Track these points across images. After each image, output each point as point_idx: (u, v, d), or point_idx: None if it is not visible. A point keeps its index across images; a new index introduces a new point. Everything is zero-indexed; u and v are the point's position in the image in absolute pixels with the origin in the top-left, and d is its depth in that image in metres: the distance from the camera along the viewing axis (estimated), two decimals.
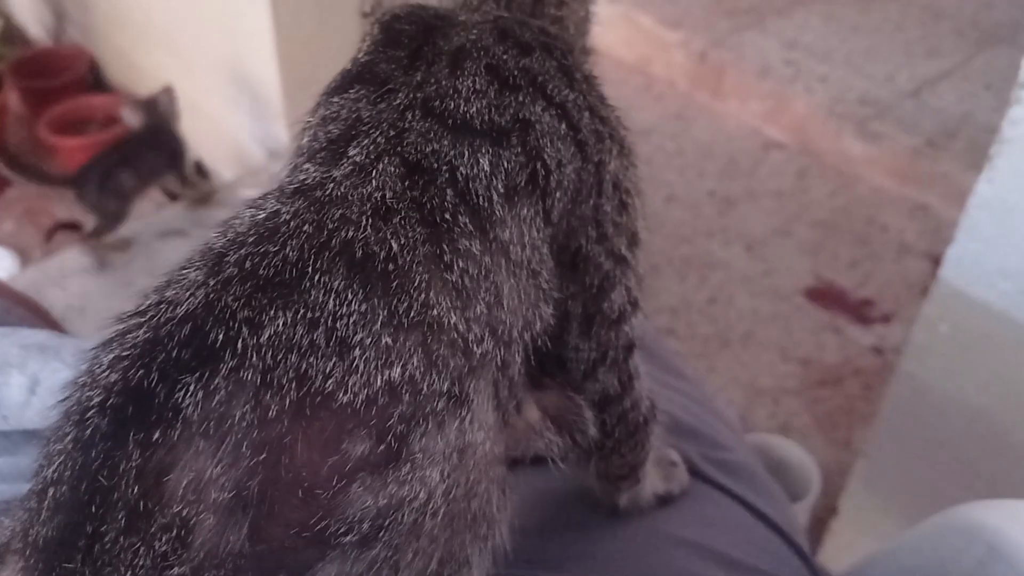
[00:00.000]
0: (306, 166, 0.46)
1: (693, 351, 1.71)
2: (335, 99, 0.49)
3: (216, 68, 2.13)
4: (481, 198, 0.45)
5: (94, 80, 2.60)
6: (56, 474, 0.37)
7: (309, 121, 0.50)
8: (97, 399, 0.37)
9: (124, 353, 0.38)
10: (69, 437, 0.37)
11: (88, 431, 0.37)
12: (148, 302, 0.40)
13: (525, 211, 0.47)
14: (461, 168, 0.45)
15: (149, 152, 1.95)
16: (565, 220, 0.50)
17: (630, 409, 0.56)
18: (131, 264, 1.93)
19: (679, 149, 2.16)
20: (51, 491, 0.37)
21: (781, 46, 2.30)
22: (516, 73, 0.49)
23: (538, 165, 0.48)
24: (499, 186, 0.46)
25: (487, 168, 0.46)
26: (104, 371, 0.38)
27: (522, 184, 0.47)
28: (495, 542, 0.45)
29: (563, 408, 0.54)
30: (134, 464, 0.35)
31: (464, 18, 0.52)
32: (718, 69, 2.28)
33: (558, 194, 0.49)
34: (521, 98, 0.48)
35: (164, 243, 1.96)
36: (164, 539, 0.35)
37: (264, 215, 0.42)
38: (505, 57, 0.49)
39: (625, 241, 0.53)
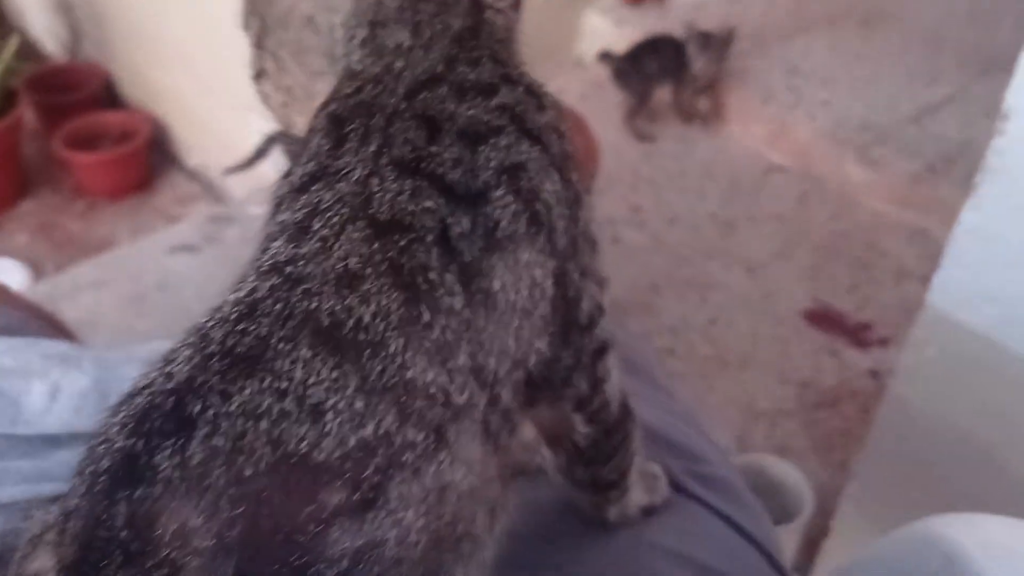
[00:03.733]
0: (275, 244, 0.47)
1: (692, 371, 1.73)
2: (302, 197, 0.49)
3: (229, 88, 2.17)
4: (470, 254, 0.46)
5: (109, 97, 2.65)
6: (74, 506, 0.43)
7: (275, 216, 0.51)
8: (106, 463, 0.42)
9: (127, 420, 0.43)
10: (86, 485, 0.43)
11: (97, 487, 0.42)
12: (153, 373, 0.44)
13: (527, 255, 0.48)
14: (455, 227, 0.46)
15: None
16: (570, 242, 0.51)
17: (599, 409, 0.58)
18: (141, 279, 1.96)
19: (681, 171, 2.19)
20: (71, 520, 0.43)
21: (783, 72, 2.33)
22: (493, 116, 0.50)
23: (537, 206, 0.49)
24: (488, 239, 0.47)
25: (477, 225, 0.47)
26: (115, 432, 0.43)
27: (521, 230, 0.48)
28: (481, 556, 0.48)
29: (555, 419, 0.56)
30: (123, 514, 0.41)
31: (402, 65, 0.53)
32: (721, 93, 2.32)
33: (560, 223, 0.50)
34: (506, 142, 0.49)
35: (174, 258, 2.00)
36: (157, 574, 0.40)
37: (243, 293, 0.45)
38: (474, 111, 0.50)
39: (588, 249, 0.54)
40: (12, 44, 2.34)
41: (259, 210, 2.12)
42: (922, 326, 1.04)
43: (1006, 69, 0.97)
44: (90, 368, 0.65)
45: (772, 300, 1.88)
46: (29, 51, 2.79)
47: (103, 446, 0.43)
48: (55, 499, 0.50)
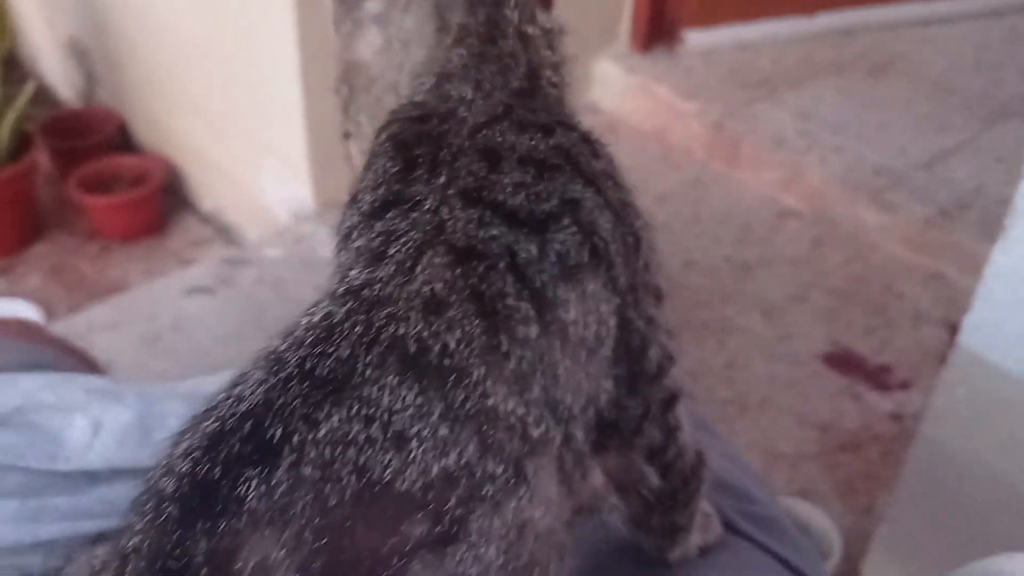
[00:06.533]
0: (352, 271, 0.47)
1: (712, 415, 1.72)
2: (376, 224, 0.50)
3: (243, 134, 2.20)
4: (542, 282, 0.47)
5: (123, 141, 2.67)
6: (134, 546, 0.41)
7: (348, 244, 0.52)
8: (171, 488, 0.40)
9: (195, 445, 0.41)
10: (147, 519, 0.41)
11: (163, 517, 0.40)
12: (219, 397, 0.43)
13: (591, 286, 0.49)
14: (521, 253, 0.47)
15: None
16: (629, 287, 0.52)
17: (675, 459, 0.58)
18: (156, 320, 1.96)
19: (696, 216, 2.20)
20: (131, 560, 0.40)
21: (795, 117, 2.35)
22: (550, 154, 0.52)
23: (595, 239, 0.50)
24: (559, 267, 0.47)
25: (546, 251, 0.48)
26: (178, 460, 0.41)
27: (585, 260, 0.49)
28: None
29: (624, 468, 0.55)
30: (202, 548, 0.39)
31: (466, 114, 0.55)
32: (734, 139, 2.34)
33: (618, 260, 0.51)
34: (563, 179, 0.51)
35: (190, 300, 2.00)
36: None
37: (318, 317, 0.44)
38: (534, 143, 0.52)
39: (653, 300, 0.55)
40: (28, 90, 2.36)
41: (273, 252, 2.13)
42: (952, 367, 1.03)
43: (1016, 116, 0.97)
44: (133, 402, 0.64)
45: (789, 343, 1.87)
46: (44, 97, 2.82)
47: (166, 478, 0.41)
48: (97, 538, 0.49)
